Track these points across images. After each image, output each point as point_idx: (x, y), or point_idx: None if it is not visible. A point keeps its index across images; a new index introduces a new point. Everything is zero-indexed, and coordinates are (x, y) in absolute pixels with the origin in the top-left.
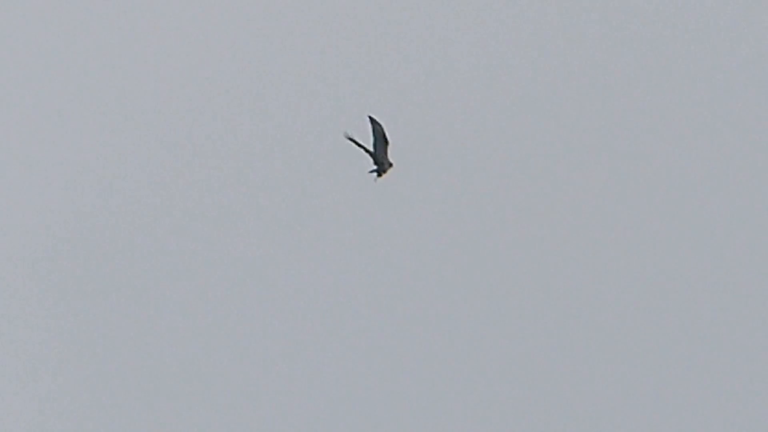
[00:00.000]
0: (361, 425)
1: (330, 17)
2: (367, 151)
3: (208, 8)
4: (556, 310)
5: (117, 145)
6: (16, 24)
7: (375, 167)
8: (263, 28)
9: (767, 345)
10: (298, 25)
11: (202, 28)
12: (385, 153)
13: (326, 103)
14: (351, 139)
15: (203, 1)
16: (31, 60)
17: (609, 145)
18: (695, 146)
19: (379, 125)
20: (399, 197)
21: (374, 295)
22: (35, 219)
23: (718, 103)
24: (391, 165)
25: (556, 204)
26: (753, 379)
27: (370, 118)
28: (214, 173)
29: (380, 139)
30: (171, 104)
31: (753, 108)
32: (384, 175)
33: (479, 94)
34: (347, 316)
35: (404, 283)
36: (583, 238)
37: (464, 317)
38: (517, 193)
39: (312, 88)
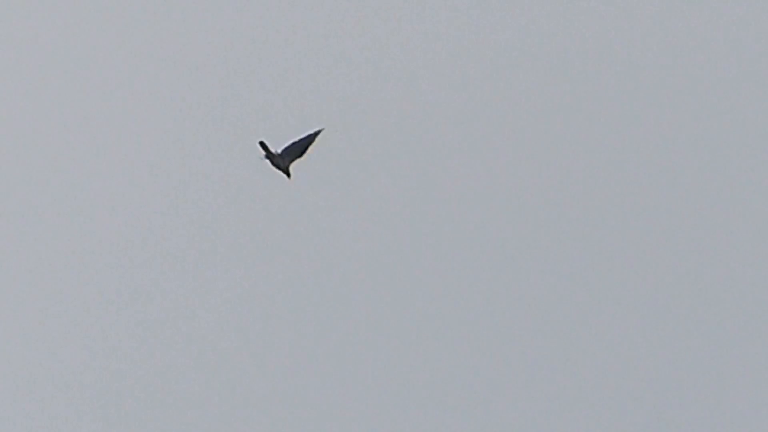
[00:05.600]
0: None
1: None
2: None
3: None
4: (557, 312)
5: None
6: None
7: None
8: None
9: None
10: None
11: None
12: (290, 159)
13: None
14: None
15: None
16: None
17: (609, 147)
18: (695, 147)
19: (311, 138)
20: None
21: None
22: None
23: (718, 103)
24: (287, 171)
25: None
26: (753, 379)
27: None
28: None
29: (300, 145)
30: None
31: (753, 108)
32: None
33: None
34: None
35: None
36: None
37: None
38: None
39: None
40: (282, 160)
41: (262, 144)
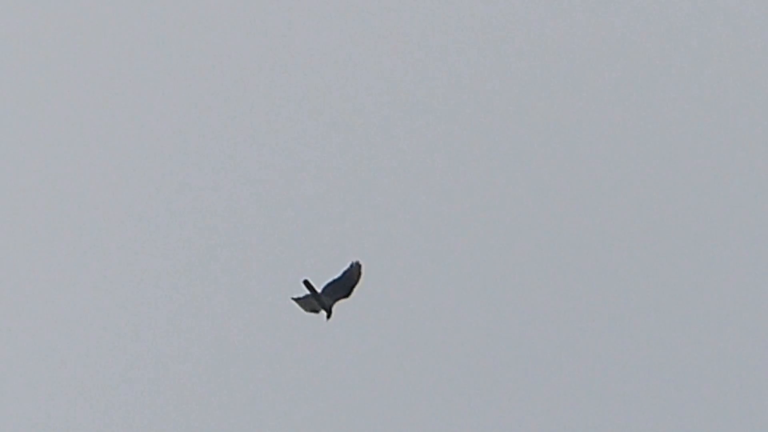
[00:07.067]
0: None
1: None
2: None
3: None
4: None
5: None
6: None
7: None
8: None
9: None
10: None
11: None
12: (334, 299)
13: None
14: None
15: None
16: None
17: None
18: (696, 147)
19: (357, 274)
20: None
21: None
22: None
23: (717, 104)
24: (329, 311)
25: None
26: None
27: (357, 264)
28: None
29: (343, 285)
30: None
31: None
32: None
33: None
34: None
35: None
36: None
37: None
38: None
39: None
40: (326, 300)
41: (306, 283)
